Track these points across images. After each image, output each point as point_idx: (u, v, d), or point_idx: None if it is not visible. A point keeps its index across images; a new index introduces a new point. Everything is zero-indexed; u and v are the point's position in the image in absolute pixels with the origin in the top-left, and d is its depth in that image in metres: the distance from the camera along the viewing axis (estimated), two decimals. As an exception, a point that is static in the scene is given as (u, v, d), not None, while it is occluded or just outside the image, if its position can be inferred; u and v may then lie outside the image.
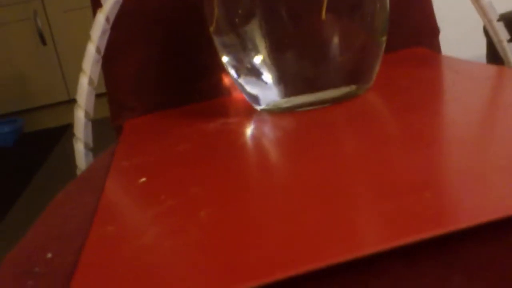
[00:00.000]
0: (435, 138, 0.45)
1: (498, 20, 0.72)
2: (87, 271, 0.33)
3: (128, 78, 0.80)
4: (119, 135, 0.72)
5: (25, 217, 1.81)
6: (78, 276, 0.32)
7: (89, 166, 0.64)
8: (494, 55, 0.80)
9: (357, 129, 0.51)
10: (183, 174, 0.47)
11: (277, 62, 0.58)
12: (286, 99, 0.59)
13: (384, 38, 0.61)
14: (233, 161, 0.48)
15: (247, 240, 0.32)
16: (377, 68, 0.61)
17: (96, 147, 0.73)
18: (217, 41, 0.61)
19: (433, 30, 0.85)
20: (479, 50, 1.67)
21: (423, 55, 0.77)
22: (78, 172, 0.70)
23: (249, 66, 0.59)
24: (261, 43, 0.57)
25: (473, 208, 0.31)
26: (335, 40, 0.57)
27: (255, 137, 0.56)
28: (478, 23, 0.92)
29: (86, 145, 0.71)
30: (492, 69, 0.62)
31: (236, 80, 0.62)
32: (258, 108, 0.63)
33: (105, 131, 1.23)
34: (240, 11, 0.58)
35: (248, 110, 0.63)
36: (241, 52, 0.59)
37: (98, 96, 0.72)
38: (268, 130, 0.57)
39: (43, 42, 3.04)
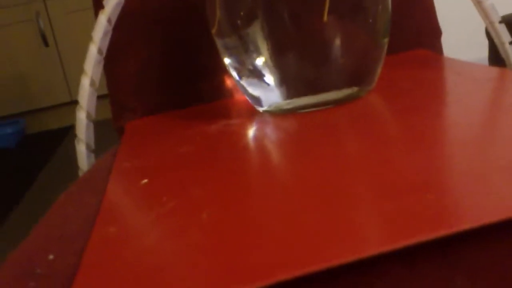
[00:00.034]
0: (437, 140, 0.45)
1: (500, 22, 0.72)
2: (88, 273, 0.33)
3: (130, 79, 0.80)
4: (121, 136, 0.72)
5: (27, 218, 1.81)
6: (80, 277, 0.32)
7: (91, 168, 0.64)
8: (496, 57, 0.80)
9: (359, 131, 0.51)
10: (185, 175, 0.47)
11: (279, 63, 0.58)
12: (288, 101, 0.59)
13: (386, 40, 0.61)
14: (235, 163, 0.48)
15: (249, 242, 0.32)
16: (379, 70, 0.61)
17: (98, 148, 0.73)
18: (219, 43, 0.61)
19: (435, 32, 0.85)
20: (481, 52, 1.67)
21: (425, 57, 0.77)
22: (80, 174, 0.70)
23: (251, 67, 0.59)
24: (263, 45, 0.57)
25: (476, 210, 0.31)
26: (337, 42, 0.57)
27: (257, 138, 0.56)
28: (480, 25, 0.92)
29: (88, 146, 0.71)
30: (494, 71, 0.62)
31: (238, 81, 0.62)
32: (260, 109, 0.63)
33: (107, 132, 1.23)
34: (242, 13, 0.57)
35: (250, 111, 0.63)
36: (243, 54, 0.59)
37: (100, 97, 0.72)
38: (270, 132, 0.57)
39: (45, 43, 3.05)
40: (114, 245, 0.36)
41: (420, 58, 0.77)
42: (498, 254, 0.29)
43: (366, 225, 0.32)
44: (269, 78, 0.58)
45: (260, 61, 0.58)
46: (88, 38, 0.69)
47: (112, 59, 0.76)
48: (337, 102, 0.59)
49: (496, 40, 0.74)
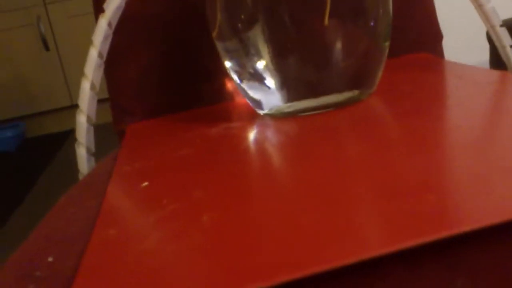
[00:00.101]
0: (438, 143, 0.45)
1: (501, 26, 0.72)
2: (88, 275, 0.32)
3: (130, 82, 0.80)
4: (121, 140, 0.72)
5: (27, 221, 1.81)
6: (79, 280, 0.32)
7: (91, 171, 0.64)
8: (497, 61, 0.80)
9: (360, 134, 0.51)
10: (185, 178, 0.47)
11: (280, 67, 0.58)
12: (289, 104, 0.59)
13: (387, 43, 0.61)
14: (236, 166, 0.48)
15: (250, 244, 0.32)
16: (380, 73, 0.61)
17: (98, 152, 0.73)
18: (220, 46, 0.61)
19: (436, 36, 0.85)
20: (482, 56, 1.67)
21: (426, 60, 0.77)
22: (80, 177, 0.70)
23: (251, 71, 0.59)
24: (263, 48, 0.57)
25: (477, 211, 0.30)
26: (338, 45, 0.57)
27: (258, 141, 0.56)
28: (480, 29, 0.92)
29: (88, 150, 0.71)
30: (496, 74, 0.62)
31: (239, 85, 0.62)
32: (261, 112, 0.62)
33: (107, 136, 1.23)
34: (242, 16, 0.57)
35: (251, 115, 0.63)
36: (244, 57, 0.59)
37: (100, 101, 0.72)
38: (271, 135, 0.57)
39: (46, 47, 3.05)
40: (114, 248, 0.36)
41: (421, 61, 0.77)
42: (499, 255, 0.29)
43: (367, 227, 0.32)
44: (270, 81, 0.58)
45: (261, 64, 0.58)
46: (89, 43, 0.69)
47: (112, 63, 0.76)
48: (338, 105, 0.59)
49: (497, 44, 0.74)
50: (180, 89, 0.80)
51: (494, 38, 0.74)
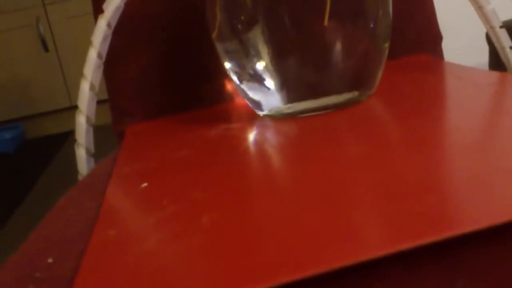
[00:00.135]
0: (438, 144, 0.45)
1: (501, 27, 0.72)
2: (88, 276, 0.32)
3: (130, 83, 0.80)
4: (120, 141, 0.72)
5: (27, 222, 1.81)
6: (79, 281, 0.32)
7: (91, 172, 0.64)
8: (496, 63, 0.80)
9: (360, 135, 0.51)
10: (185, 179, 0.47)
11: (279, 68, 0.58)
12: (288, 105, 0.59)
13: (387, 45, 0.61)
14: (236, 167, 0.48)
15: (250, 245, 0.32)
16: (379, 75, 0.61)
17: (98, 153, 0.73)
18: (219, 47, 0.61)
19: (436, 37, 0.85)
20: (482, 57, 1.67)
21: (426, 62, 0.77)
22: (80, 178, 0.70)
23: (251, 72, 0.59)
24: (263, 49, 0.57)
25: (477, 212, 0.30)
26: (338, 46, 0.57)
27: (258, 142, 0.56)
28: (480, 31, 0.92)
29: (87, 151, 0.71)
30: (495, 75, 0.62)
31: (238, 86, 0.62)
32: (261, 114, 0.62)
33: (107, 137, 1.23)
34: (242, 17, 0.57)
35: (251, 116, 0.63)
36: (244, 58, 0.59)
37: (100, 102, 0.72)
38: (271, 136, 0.57)
39: (45, 48, 3.05)
40: (114, 249, 0.36)
41: (421, 62, 0.77)
42: (499, 256, 0.29)
43: (367, 228, 0.32)
44: (270, 83, 0.58)
45: (260, 65, 0.58)
46: (88, 44, 0.69)
47: (111, 63, 0.76)
48: (338, 107, 0.59)
49: (497, 45, 0.74)
50: (180, 89, 0.80)
51: (493, 39, 0.74)
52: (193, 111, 0.75)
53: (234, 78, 0.62)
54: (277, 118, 0.60)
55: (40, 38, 3.03)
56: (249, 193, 0.42)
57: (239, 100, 0.73)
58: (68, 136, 3.01)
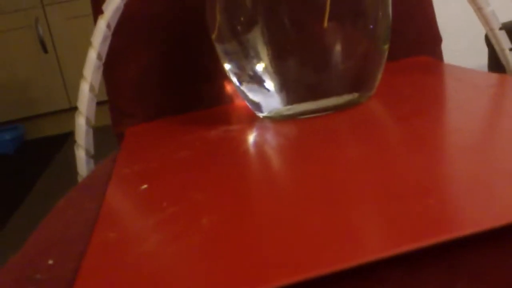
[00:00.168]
0: (438, 146, 0.45)
1: (500, 29, 0.72)
2: (88, 278, 0.32)
3: (130, 84, 0.80)
4: (120, 142, 0.72)
5: (26, 224, 1.81)
6: (80, 282, 0.32)
7: (91, 173, 0.64)
8: (495, 65, 0.80)
9: (360, 137, 0.51)
10: (185, 181, 0.47)
11: (279, 69, 0.58)
12: (288, 107, 0.59)
13: (386, 46, 0.61)
14: (235, 168, 0.48)
15: (250, 247, 0.32)
16: (379, 76, 0.61)
17: (98, 154, 0.73)
18: (219, 48, 0.61)
19: (435, 39, 0.85)
20: (481, 59, 1.67)
21: (425, 63, 0.77)
22: (80, 179, 0.70)
23: (251, 73, 0.59)
24: (263, 51, 0.57)
25: (477, 215, 0.30)
26: (338, 48, 0.57)
27: (257, 144, 0.56)
28: (479, 33, 0.92)
29: (87, 152, 0.71)
30: (495, 77, 0.62)
31: (238, 87, 0.62)
32: (261, 115, 0.62)
33: (106, 138, 1.23)
34: (242, 19, 0.57)
35: (250, 117, 0.63)
36: (243, 60, 0.59)
37: (99, 103, 0.72)
38: (270, 137, 0.57)
39: (44, 49, 3.05)
40: (114, 250, 0.36)
41: (421, 64, 0.77)
42: (499, 259, 0.29)
43: (367, 230, 0.32)
44: (269, 84, 0.58)
45: (260, 66, 0.58)
46: (87, 45, 0.69)
47: (111, 64, 0.76)
48: (338, 108, 0.59)
49: (496, 47, 0.74)
50: (180, 90, 0.80)
51: (493, 41, 0.74)
52: (193, 112, 0.75)
53: (234, 79, 0.62)
54: (277, 119, 0.60)
55: (39, 39, 3.03)
56: (249, 194, 0.42)
57: (239, 102, 0.73)
58: (68, 137, 3.01)
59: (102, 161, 0.64)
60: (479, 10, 0.71)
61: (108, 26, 0.69)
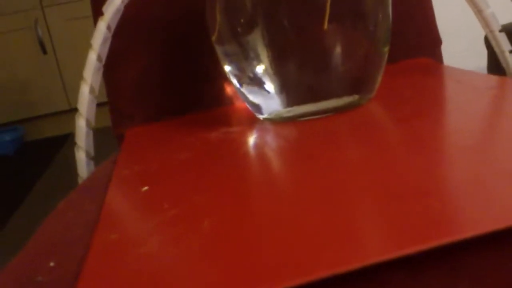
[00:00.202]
0: (438, 148, 0.45)
1: (500, 31, 0.72)
2: (90, 280, 0.32)
3: (130, 86, 0.80)
4: (120, 143, 0.72)
5: (26, 225, 1.81)
6: (82, 284, 0.32)
7: (91, 175, 0.64)
8: (495, 67, 0.80)
9: (360, 139, 0.51)
10: (185, 182, 0.47)
11: (279, 71, 0.58)
12: (288, 109, 0.59)
13: (386, 48, 0.61)
14: (236, 170, 0.48)
15: (250, 249, 0.32)
16: (379, 78, 0.61)
17: (98, 156, 0.73)
18: (219, 50, 0.61)
19: (435, 41, 0.85)
20: (480, 61, 1.67)
21: (425, 65, 0.77)
22: (80, 181, 0.70)
23: (251, 75, 0.59)
24: (263, 53, 0.57)
25: (478, 217, 0.30)
26: (338, 50, 0.57)
27: (258, 146, 0.56)
28: (478, 35, 0.92)
29: (87, 154, 0.71)
30: (495, 79, 0.62)
31: (238, 89, 0.62)
32: (261, 117, 0.62)
33: (106, 140, 1.23)
34: (242, 20, 0.57)
35: (251, 119, 0.63)
36: (243, 61, 0.59)
37: (99, 105, 0.72)
38: (271, 139, 0.57)
39: (44, 51, 3.05)
40: (115, 252, 0.36)
41: (421, 66, 0.77)
42: (501, 262, 0.29)
43: (368, 233, 0.32)
44: (270, 86, 0.58)
45: (260, 68, 0.58)
46: (87, 46, 0.69)
47: (111, 66, 0.76)
48: (338, 110, 0.59)
49: (496, 49, 0.74)
50: (180, 92, 0.80)
51: (493, 43, 0.74)
52: (193, 114, 0.75)
53: (234, 81, 0.62)
54: (277, 121, 0.60)
55: (38, 40, 3.03)
56: (249, 196, 0.42)
57: (239, 103, 0.73)
58: (67, 139, 3.00)
59: (102, 162, 0.64)
60: (479, 12, 0.71)
61: (108, 27, 0.69)
